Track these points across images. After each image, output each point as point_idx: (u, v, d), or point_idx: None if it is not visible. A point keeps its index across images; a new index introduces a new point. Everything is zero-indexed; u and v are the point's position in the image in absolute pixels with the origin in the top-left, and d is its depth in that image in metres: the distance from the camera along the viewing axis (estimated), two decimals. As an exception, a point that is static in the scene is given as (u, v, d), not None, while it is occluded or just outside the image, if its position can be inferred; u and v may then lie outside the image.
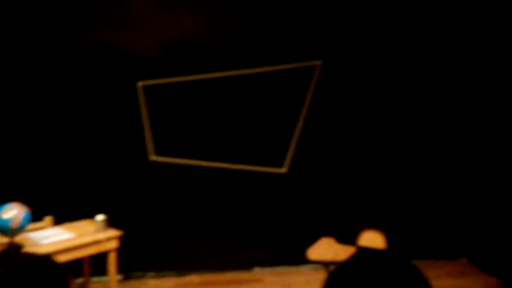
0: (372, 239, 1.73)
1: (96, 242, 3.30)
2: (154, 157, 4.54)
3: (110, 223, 3.47)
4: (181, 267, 4.59)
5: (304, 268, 4.61)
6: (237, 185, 4.75)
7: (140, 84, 4.45)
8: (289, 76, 4.72)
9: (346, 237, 1.84)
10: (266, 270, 4.70)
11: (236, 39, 4.61)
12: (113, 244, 3.42)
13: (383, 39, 4.79)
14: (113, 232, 3.43)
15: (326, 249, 1.71)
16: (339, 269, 1.11)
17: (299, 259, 3.22)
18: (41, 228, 3.43)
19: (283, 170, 4.77)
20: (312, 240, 2.27)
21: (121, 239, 3.47)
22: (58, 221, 3.57)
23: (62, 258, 3.04)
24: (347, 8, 4.71)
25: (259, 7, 4.61)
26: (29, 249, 2.84)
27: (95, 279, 4.05)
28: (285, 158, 4.77)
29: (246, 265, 4.72)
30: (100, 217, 3.39)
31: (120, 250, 3.49)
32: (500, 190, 4.60)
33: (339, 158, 4.84)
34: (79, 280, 3.88)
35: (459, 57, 4.85)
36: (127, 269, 4.32)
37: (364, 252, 1.66)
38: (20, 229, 2.98)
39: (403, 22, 4.77)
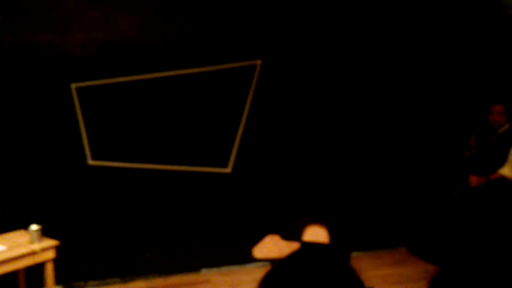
0: (315, 233, 1.75)
1: (31, 254, 3.12)
2: (91, 162, 4.36)
3: (46, 232, 3.30)
4: (125, 273, 4.44)
5: (251, 267, 4.63)
6: (181, 186, 4.68)
7: (73, 86, 4.26)
8: (230, 76, 4.71)
9: (291, 233, 1.85)
10: (214, 271, 4.67)
11: (175, 39, 4.54)
12: (50, 255, 3.25)
13: (321, 37, 4.90)
14: (49, 242, 3.26)
15: (271, 247, 1.71)
16: (276, 267, 1.12)
17: (245, 258, 3.22)
18: (-31, 242, 3.20)
19: (227, 170, 4.76)
20: (258, 238, 2.26)
21: (58, 248, 3.30)
22: (-13, 234, 3.35)
23: (-7, 273, 2.86)
24: (285, 7, 4.78)
25: (197, 6, 4.56)
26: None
27: (32, 292, 3.83)
28: (229, 158, 4.76)
29: (193, 267, 4.66)
30: (34, 227, 3.21)
31: (58, 260, 3.33)
32: (433, 181, 4.86)
33: (282, 156, 4.91)
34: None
35: (391, 58, 5.06)
36: (67, 279, 4.12)
37: (308, 247, 1.68)
38: None
39: (340, 21, 4.91)
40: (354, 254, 4.35)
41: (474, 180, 3.67)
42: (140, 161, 4.51)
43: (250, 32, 4.71)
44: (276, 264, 0.99)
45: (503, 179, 3.56)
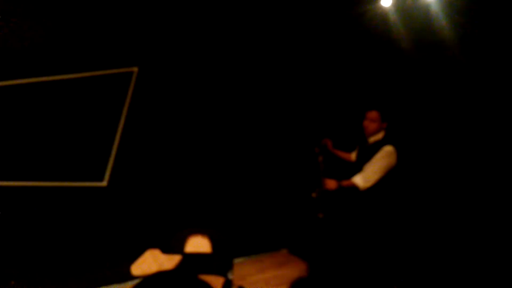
0: (197, 244, 1.71)
1: None
2: None
3: None
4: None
5: (130, 285, 4.39)
6: (51, 204, 4.27)
7: None
8: (105, 83, 4.46)
9: (172, 246, 1.79)
10: (90, 293, 4.33)
11: (44, 42, 4.15)
12: None
13: (200, 45, 4.89)
14: None
15: (151, 262, 1.62)
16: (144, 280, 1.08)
17: (124, 276, 3.04)
18: None
19: (103, 183, 4.47)
20: (137, 254, 2.14)
21: None
22: None
23: None
24: (162, 15, 4.68)
25: (72, 10, 4.24)
26: None
27: None
28: (104, 171, 4.48)
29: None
30: None
31: None
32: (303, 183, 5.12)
33: (161, 166, 4.77)
34: None
35: (264, 63, 5.25)
36: None
37: (190, 259, 1.63)
38: None
39: (215, 29, 4.96)
40: (237, 260, 4.41)
41: (327, 183, 3.55)
42: (2, 179, 4.02)
43: (127, 38, 4.52)
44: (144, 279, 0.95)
45: (354, 186, 3.47)
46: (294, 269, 4.80)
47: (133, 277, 2.30)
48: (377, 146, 3.46)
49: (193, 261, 1.60)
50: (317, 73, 4.97)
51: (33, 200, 4.21)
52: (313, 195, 3.79)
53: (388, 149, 3.37)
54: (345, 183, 3.51)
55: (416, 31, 3.81)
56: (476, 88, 3.41)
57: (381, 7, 4.02)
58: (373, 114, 3.51)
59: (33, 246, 4.19)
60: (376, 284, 3.24)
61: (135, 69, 4.57)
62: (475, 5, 3.25)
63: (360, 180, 3.44)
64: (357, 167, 3.61)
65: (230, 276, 1.71)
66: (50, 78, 4.21)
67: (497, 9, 3.14)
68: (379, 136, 3.52)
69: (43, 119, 4.23)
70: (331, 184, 3.55)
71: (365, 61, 4.43)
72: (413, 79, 3.93)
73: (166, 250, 1.75)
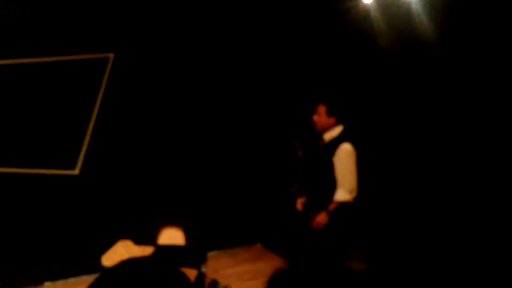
0: (171, 236, 1.68)
1: None
2: None
3: None
4: None
5: (102, 276, 4.31)
6: (22, 191, 4.14)
7: None
8: (80, 69, 4.34)
9: (145, 237, 1.74)
10: (59, 283, 4.22)
11: (17, 24, 4.00)
12: None
13: (177, 33, 4.81)
14: None
15: (123, 253, 1.57)
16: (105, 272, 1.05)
17: (95, 267, 2.96)
18: None
19: (75, 171, 4.36)
20: (108, 244, 2.08)
21: None
22: None
23: None
24: (139, 2, 4.58)
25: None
26: None
27: None
28: (77, 159, 4.37)
29: (35, 280, 4.15)
30: None
31: None
32: (279, 178, 5.12)
33: (134, 155, 4.68)
34: None
35: (236, 55, 5.19)
36: None
37: (163, 250, 1.59)
38: None
39: (192, 17, 4.87)
40: (211, 254, 4.39)
41: (319, 220, 3.19)
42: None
43: (104, 23, 4.40)
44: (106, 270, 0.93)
45: (342, 205, 3.16)
46: (268, 263, 4.80)
47: (104, 269, 2.25)
48: (334, 144, 3.23)
49: (166, 253, 1.57)
50: (298, 69, 4.97)
51: (3, 186, 4.08)
52: (292, 190, 3.72)
53: (347, 148, 3.18)
54: (332, 207, 3.20)
55: (396, 27, 3.83)
56: (455, 84, 3.46)
57: (363, 4, 4.04)
58: (318, 108, 3.27)
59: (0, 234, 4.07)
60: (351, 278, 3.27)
61: (111, 55, 4.46)
62: (454, 3, 3.29)
63: (345, 194, 3.19)
64: (312, 166, 3.42)
65: (203, 269, 1.68)
66: (23, 61, 4.07)
67: (476, 7, 3.18)
68: (334, 133, 3.27)
69: (14, 103, 4.09)
70: (322, 219, 3.23)
71: (344, 57, 4.47)
72: (393, 75, 3.97)
73: (139, 241, 1.71)
